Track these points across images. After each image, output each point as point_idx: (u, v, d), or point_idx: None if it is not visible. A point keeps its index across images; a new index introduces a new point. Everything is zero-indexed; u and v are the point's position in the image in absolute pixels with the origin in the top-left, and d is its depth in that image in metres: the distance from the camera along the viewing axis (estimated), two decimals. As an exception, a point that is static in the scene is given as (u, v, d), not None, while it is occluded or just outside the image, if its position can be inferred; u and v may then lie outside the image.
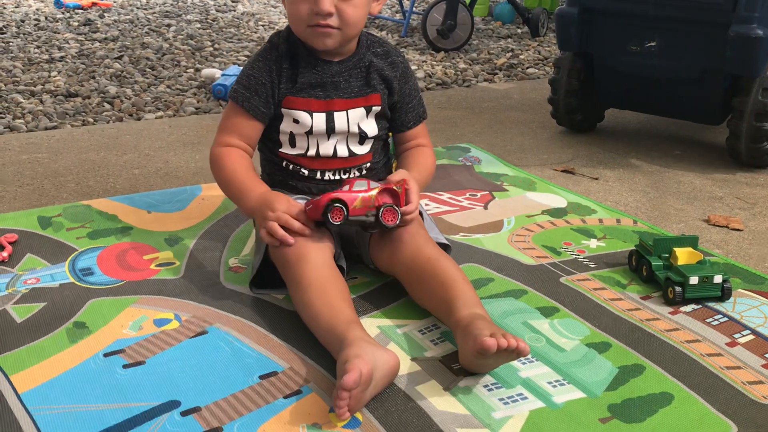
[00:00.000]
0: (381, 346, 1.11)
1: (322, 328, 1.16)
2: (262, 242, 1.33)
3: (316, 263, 1.23)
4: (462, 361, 1.14)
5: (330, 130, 1.40)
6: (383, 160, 1.51)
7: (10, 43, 3.55)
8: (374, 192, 1.27)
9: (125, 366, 1.14)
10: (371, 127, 1.44)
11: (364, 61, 1.42)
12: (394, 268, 1.32)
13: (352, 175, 1.45)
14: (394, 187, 1.29)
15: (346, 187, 1.28)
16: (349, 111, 1.41)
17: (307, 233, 1.26)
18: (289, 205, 1.28)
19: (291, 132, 1.40)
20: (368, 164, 1.46)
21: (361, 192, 1.27)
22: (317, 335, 1.18)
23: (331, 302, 1.18)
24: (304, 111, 1.38)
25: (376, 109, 1.43)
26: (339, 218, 1.25)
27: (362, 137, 1.43)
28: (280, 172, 1.45)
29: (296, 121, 1.39)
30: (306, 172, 1.42)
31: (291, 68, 1.39)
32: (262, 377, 1.12)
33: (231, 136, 1.41)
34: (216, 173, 1.42)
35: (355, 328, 1.12)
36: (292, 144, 1.41)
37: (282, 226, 1.26)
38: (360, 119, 1.42)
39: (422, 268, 1.26)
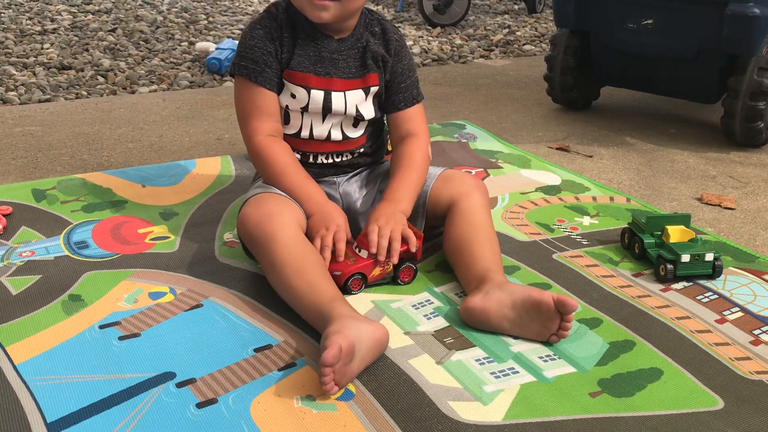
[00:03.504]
0: (366, 318, 1.12)
1: (306, 309, 1.17)
2: None
3: (287, 242, 1.21)
4: (490, 313, 1.17)
5: (326, 110, 1.37)
6: (377, 143, 1.49)
7: (2, 14, 3.51)
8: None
9: (121, 338, 1.14)
10: (369, 110, 1.41)
11: (361, 41, 1.39)
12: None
13: (345, 159, 1.43)
14: (413, 250, 1.29)
15: (364, 253, 1.27)
16: (347, 92, 1.38)
17: (340, 260, 1.25)
18: (339, 227, 1.27)
19: (287, 106, 1.38)
20: (362, 148, 1.44)
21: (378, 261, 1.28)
22: (302, 315, 1.18)
23: (310, 281, 1.17)
24: (302, 86, 1.36)
25: (374, 89, 1.40)
26: (357, 287, 1.28)
27: (357, 120, 1.41)
28: None
29: (293, 96, 1.37)
30: (299, 155, 1.40)
31: (291, 39, 1.35)
32: (256, 350, 1.13)
33: (262, 120, 1.34)
34: (261, 169, 1.37)
35: (339, 305, 1.12)
36: (286, 120, 1.39)
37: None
38: (359, 101, 1.39)
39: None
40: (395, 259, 1.27)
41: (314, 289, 1.16)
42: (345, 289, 1.25)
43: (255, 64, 1.34)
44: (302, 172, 1.35)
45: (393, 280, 1.32)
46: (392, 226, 1.27)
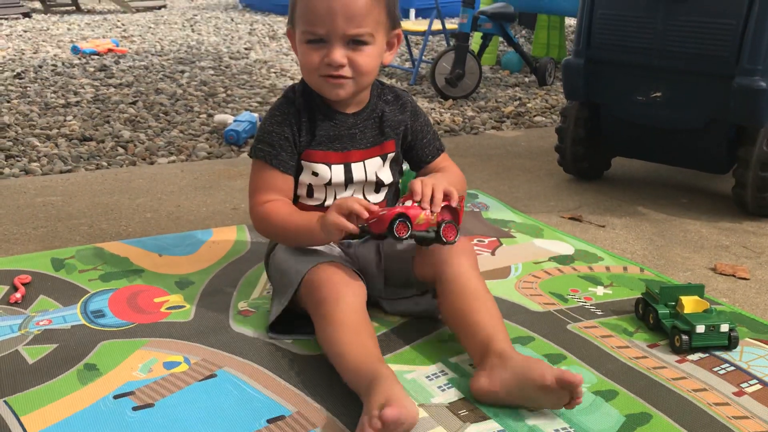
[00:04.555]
0: (406, 394, 1.10)
1: (350, 362, 1.17)
2: (284, 289, 1.35)
3: (353, 307, 1.25)
4: (499, 394, 1.16)
5: (348, 181, 1.43)
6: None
7: (28, 88, 3.63)
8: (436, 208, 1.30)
9: (135, 408, 1.14)
10: (387, 175, 1.47)
11: (377, 111, 1.45)
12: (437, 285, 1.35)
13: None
14: (454, 205, 1.32)
15: (408, 203, 1.30)
16: (365, 161, 1.44)
17: (373, 209, 1.27)
18: (352, 197, 1.31)
19: (309, 183, 1.43)
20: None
21: (422, 209, 1.30)
22: (341, 369, 1.19)
23: (362, 341, 1.20)
24: (323, 164, 1.41)
25: (391, 155, 1.47)
26: (404, 232, 1.28)
27: (378, 185, 1.46)
28: None
29: (315, 174, 1.42)
30: None
31: (309, 122, 1.41)
32: (269, 421, 1.12)
33: (267, 193, 1.40)
34: (265, 228, 1.42)
35: (386, 367, 1.14)
36: (310, 195, 1.44)
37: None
38: (378, 168, 1.45)
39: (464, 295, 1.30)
40: (437, 208, 1.29)
41: (364, 347, 1.19)
42: (391, 233, 1.26)
43: (271, 147, 1.40)
44: (302, 212, 1.39)
45: (437, 239, 1.31)
46: (435, 182, 1.32)
